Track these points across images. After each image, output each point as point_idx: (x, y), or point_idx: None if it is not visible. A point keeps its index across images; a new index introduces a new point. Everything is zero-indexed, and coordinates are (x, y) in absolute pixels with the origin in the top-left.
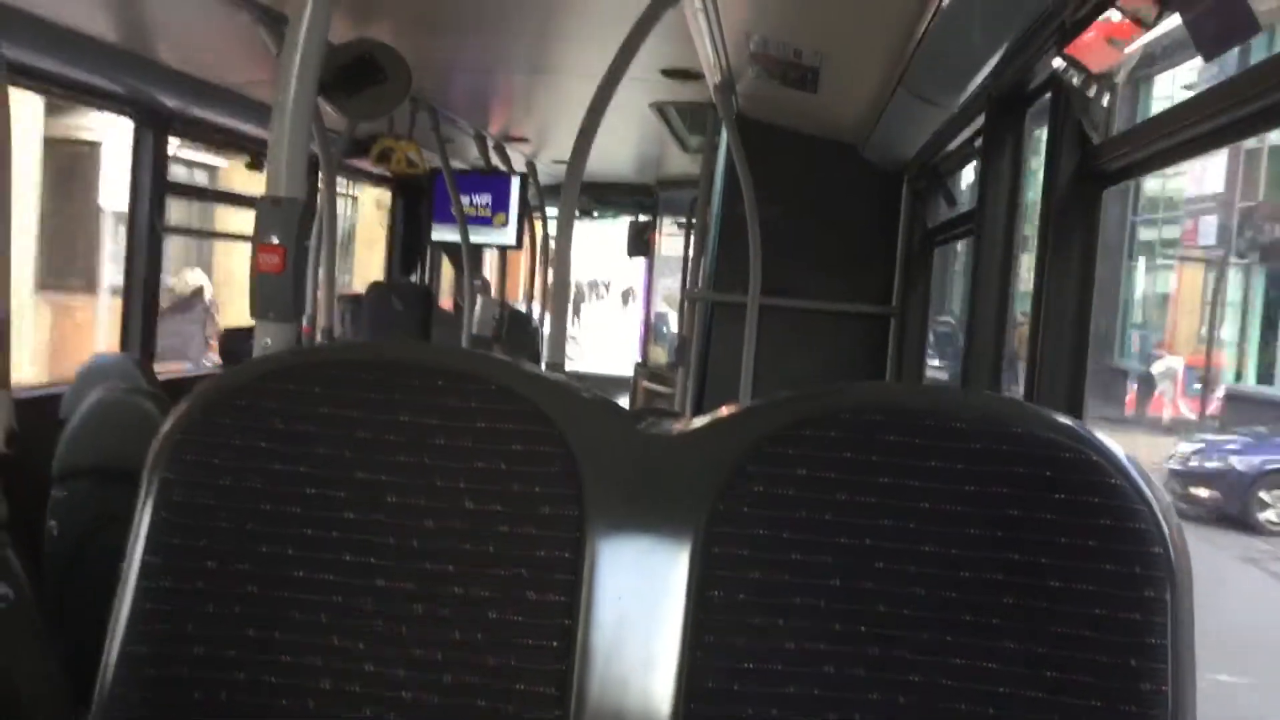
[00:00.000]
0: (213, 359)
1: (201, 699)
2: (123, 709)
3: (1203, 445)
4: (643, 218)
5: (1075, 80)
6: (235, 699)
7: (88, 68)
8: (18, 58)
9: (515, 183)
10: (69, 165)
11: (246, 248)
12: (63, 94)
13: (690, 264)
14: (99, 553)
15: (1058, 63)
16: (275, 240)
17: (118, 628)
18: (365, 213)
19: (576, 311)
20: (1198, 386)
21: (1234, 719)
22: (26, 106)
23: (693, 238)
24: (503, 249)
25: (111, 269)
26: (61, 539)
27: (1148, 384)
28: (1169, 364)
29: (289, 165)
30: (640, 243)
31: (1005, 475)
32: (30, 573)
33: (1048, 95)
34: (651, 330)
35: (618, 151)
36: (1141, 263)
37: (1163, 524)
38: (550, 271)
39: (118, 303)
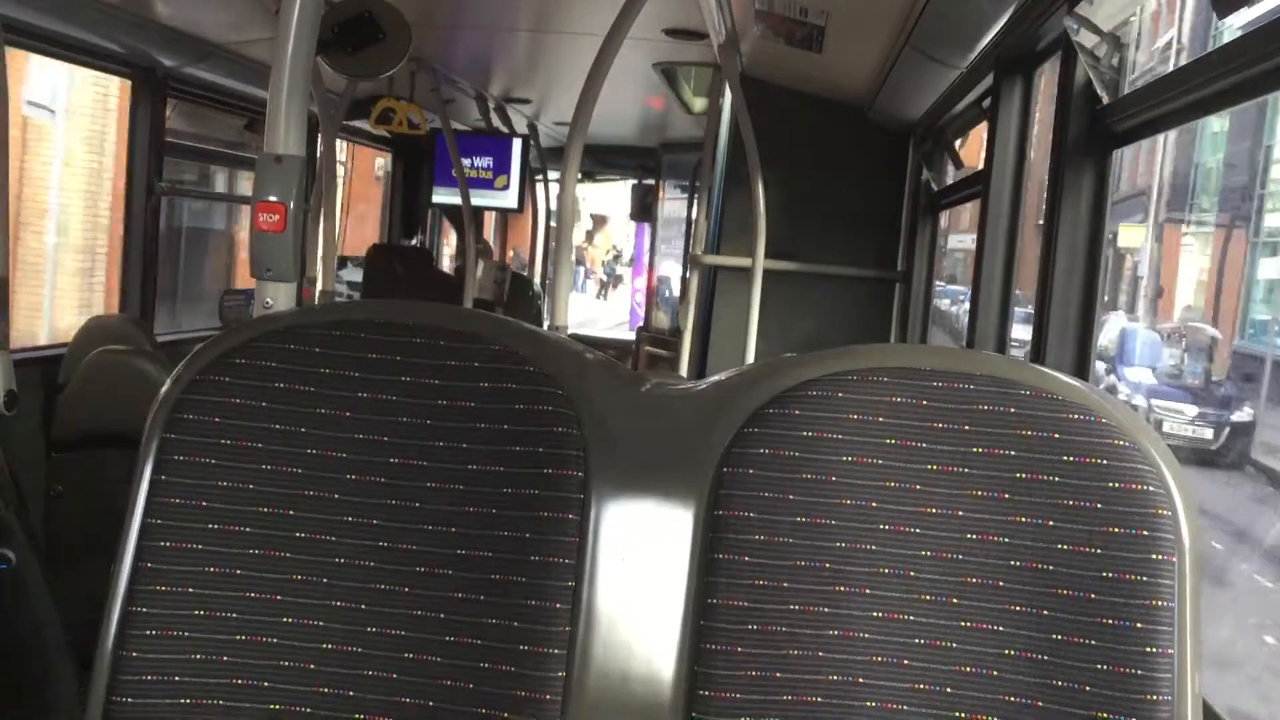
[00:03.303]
0: None
1: (202, 659)
2: (123, 669)
3: None
4: (646, 181)
5: (1085, 40)
6: (236, 660)
7: (84, 26)
8: (11, 15)
9: (517, 145)
10: None
11: None
12: (59, 53)
13: (693, 227)
14: (101, 514)
15: (1068, 21)
16: (275, 198)
17: (118, 589)
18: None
19: (614, 284)
20: None
21: None
22: None
23: (696, 201)
24: (504, 212)
25: None
26: (63, 501)
27: None
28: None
29: (288, 123)
30: (644, 206)
31: (1012, 438)
32: (32, 535)
33: (1057, 55)
34: (654, 294)
35: (621, 113)
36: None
37: (1172, 487)
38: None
39: None
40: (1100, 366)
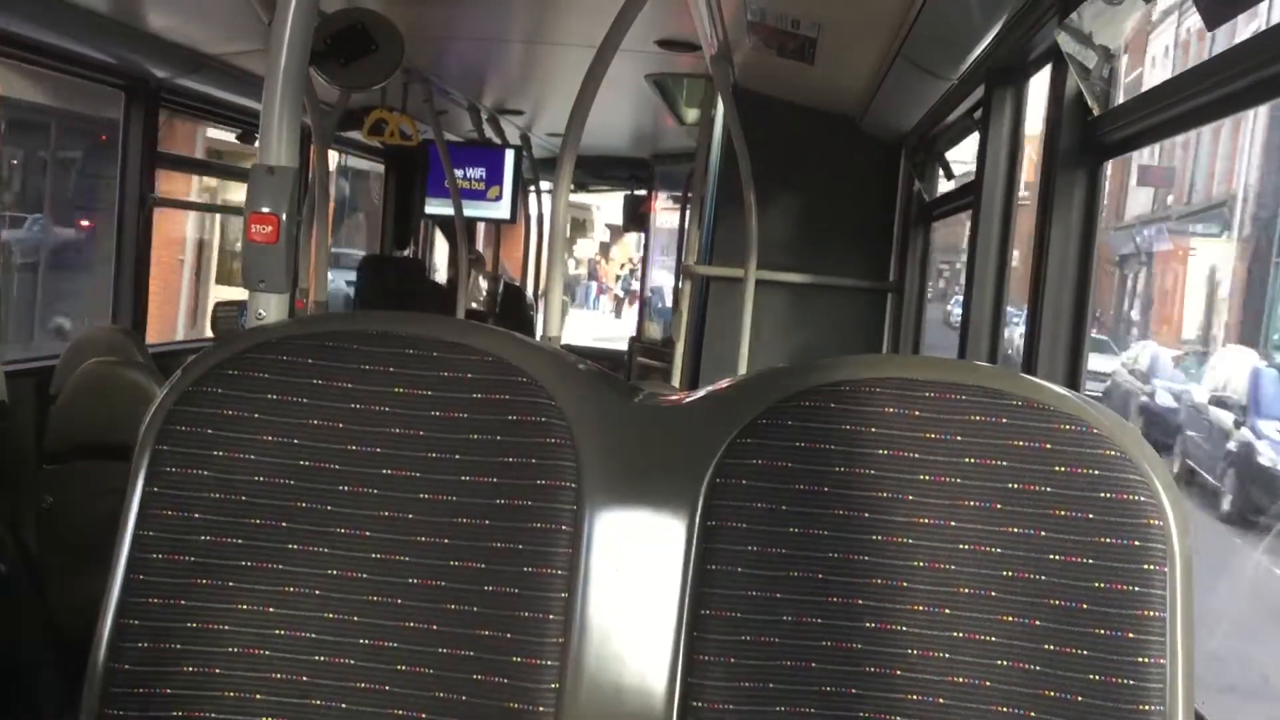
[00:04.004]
0: None
1: (194, 671)
2: (116, 682)
3: None
4: (638, 192)
5: (1075, 51)
6: (228, 672)
7: (76, 37)
8: (3, 27)
9: (510, 155)
10: None
11: None
12: (51, 64)
13: (686, 238)
14: (93, 526)
15: (1058, 33)
16: (268, 209)
17: (110, 600)
18: None
19: (630, 300)
20: None
21: None
22: None
23: (689, 212)
24: (497, 222)
25: None
26: (55, 513)
27: None
28: None
29: (280, 134)
30: (636, 217)
31: (1004, 448)
32: (24, 547)
33: (1048, 66)
34: (646, 304)
35: (613, 124)
36: None
37: (1163, 497)
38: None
39: None
40: (1225, 418)
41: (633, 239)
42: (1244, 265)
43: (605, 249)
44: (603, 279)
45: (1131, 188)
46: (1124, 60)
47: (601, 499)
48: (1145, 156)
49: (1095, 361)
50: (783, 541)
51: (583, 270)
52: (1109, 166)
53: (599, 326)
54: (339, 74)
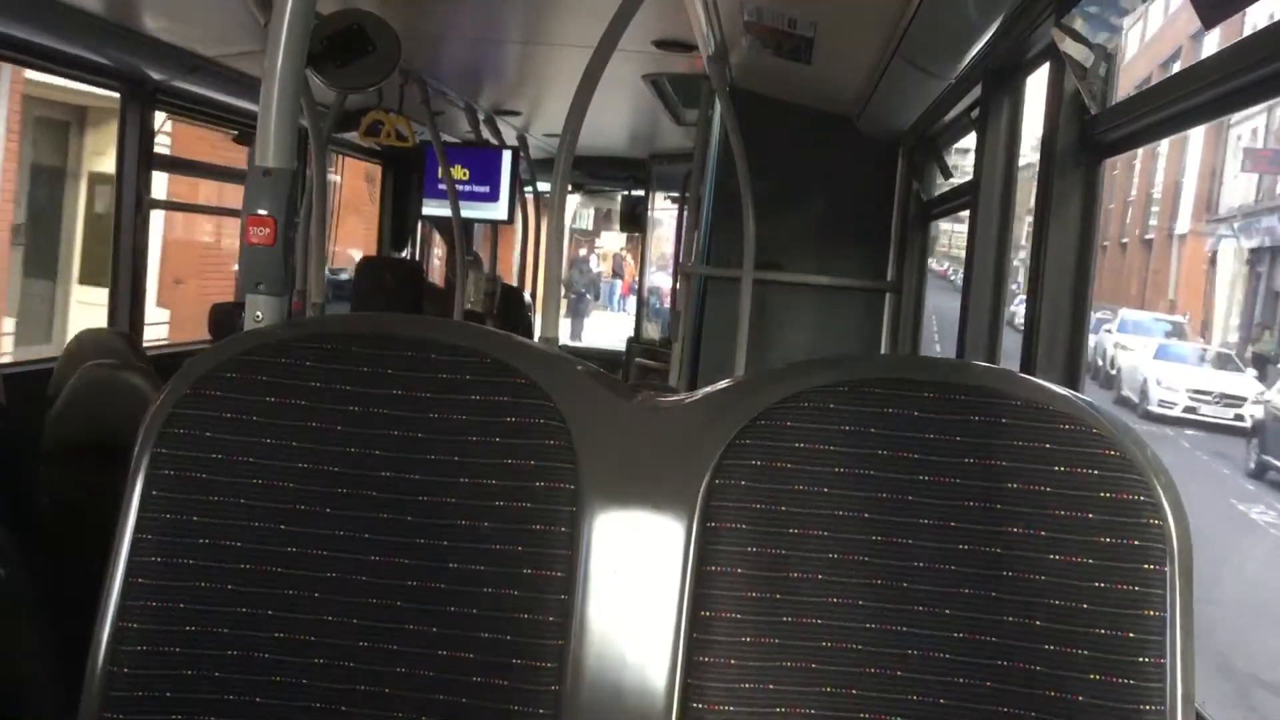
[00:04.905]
0: None
1: (193, 675)
2: (114, 685)
3: None
4: (635, 192)
5: (1073, 50)
6: (228, 675)
7: (73, 39)
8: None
9: (507, 156)
10: None
11: None
12: (48, 66)
13: (684, 238)
14: (91, 530)
15: (1055, 32)
16: (265, 212)
17: (109, 604)
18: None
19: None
20: None
21: None
22: None
23: (686, 212)
24: (494, 223)
25: None
26: (53, 516)
27: None
28: None
29: (278, 135)
30: (633, 217)
31: (1004, 448)
32: (21, 550)
33: (1045, 65)
34: (645, 305)
35: (610, 125)
36: None
37: (1161, 496)
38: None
39: None
40: None
41: (662, 235)
42: None
43: (633, 244)
44: (631, 277)
45: (1230, 174)
46: (1218, 31)
47: (600, 500)
48: (1248, 138)
49: (1216, 379)
50: (782, 542)
51: (606, 267)
52: (1194, 139)
53: (628, 333)
54: (336, 75)
